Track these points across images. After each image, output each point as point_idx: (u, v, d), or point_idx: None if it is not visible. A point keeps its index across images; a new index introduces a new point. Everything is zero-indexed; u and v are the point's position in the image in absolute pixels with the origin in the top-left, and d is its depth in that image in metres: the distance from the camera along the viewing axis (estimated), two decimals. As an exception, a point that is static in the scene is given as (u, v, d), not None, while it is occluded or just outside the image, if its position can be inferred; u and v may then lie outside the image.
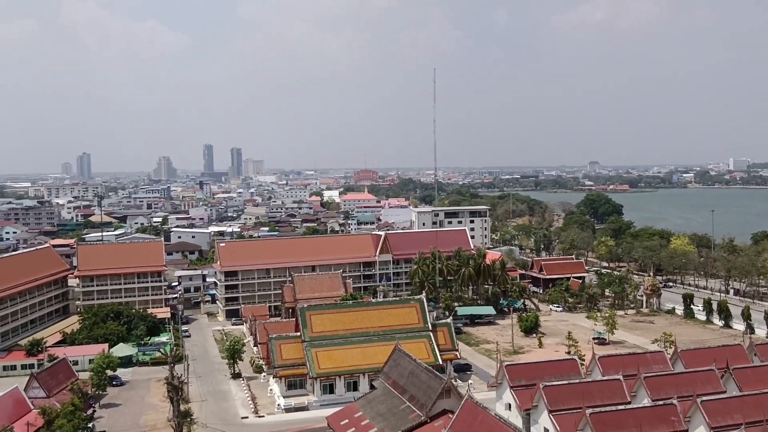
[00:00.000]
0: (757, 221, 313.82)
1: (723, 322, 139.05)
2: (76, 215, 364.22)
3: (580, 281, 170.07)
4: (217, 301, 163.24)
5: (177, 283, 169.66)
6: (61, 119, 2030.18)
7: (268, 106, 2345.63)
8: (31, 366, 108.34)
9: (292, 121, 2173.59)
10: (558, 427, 68.30)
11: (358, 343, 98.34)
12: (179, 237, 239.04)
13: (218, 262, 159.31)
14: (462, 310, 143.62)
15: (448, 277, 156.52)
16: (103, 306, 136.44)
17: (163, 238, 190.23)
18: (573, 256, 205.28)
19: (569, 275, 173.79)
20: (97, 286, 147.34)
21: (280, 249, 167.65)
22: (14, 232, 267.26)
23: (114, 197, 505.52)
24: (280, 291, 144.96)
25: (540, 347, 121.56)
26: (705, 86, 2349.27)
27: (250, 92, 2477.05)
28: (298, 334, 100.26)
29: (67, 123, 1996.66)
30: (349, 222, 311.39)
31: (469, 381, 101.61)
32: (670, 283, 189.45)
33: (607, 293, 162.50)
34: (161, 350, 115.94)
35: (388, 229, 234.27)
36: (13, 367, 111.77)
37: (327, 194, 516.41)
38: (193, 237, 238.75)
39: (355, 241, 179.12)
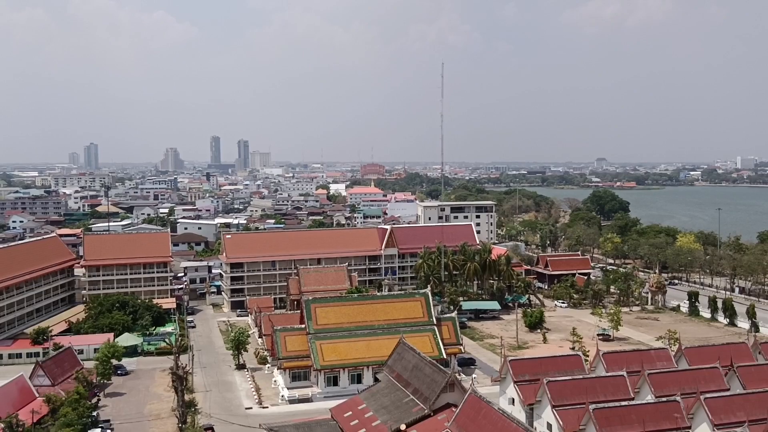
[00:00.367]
0: (764, 220, 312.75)
1: (728, 320, 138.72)
2: (83, 205, 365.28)
3: (586, 278, 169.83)
4: (222, 293, 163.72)
5: (183, 274, 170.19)
6: (69, 109, 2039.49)
7: (275, 98, 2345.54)
8: (37, 354, 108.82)
9: (300, 114, 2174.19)
10: (561, 422, 68.38)
11: (362, 336, 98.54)
12: (185, 228, 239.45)
13: (224, 254, 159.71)
14: (467, 305, 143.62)
15: (454, 272, 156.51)
16: (108, 296, 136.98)
17: (169, 229, 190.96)
18: (579, 253, 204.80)
19: (574, 271, 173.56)
20: (103, 275, 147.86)
21: (285, 241, 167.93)
22: (21, 221, 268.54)
23: (121, 188, 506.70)
24: (286, 283, 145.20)
25: (544, 343, 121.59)
26: (714, 84, 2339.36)
27: (258, 84, 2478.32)
28: (303, 326, 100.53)
29: (74, 113, 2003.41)
30: (355, 215, 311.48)
31: (473, 375, 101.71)
32: (676, 281, 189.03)
33: (612, 290, 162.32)
34: (166, 340, 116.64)
35: (394, 223, 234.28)
36: (19, 356, 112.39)
37: (333, 187, 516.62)
38: (200, 228, 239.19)
39: (360, 235, 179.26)
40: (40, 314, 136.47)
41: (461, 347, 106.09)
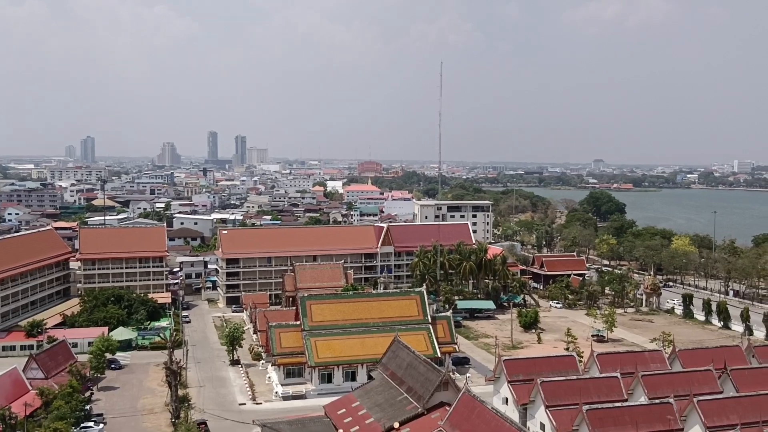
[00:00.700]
0: (759, 224, 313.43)
1: (722, 323, 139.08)
2: (79, 198, 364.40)
3: (581, 278, 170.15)
4: (217, 288, 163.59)
5: (178, 269, 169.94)
6: (67, 102, 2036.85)
7: (274, 95, 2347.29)
8: (31, 347, 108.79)
9: (298, 111, 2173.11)
10: (554, 423, 68.48)
11: (357, 334, 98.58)
12: (182, 223, 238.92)
13: (220, 249, 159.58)
14: (462, 304, 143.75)
15: (449, 271, 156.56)
16: (103, 289, 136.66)
17: (165, 224, 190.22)
18: (574, 254, 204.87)
19: (570, 272, 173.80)
20: (98, 269, 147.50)
21: (282, 238, 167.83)
22: (17, 214, 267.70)
23: (117, 181, 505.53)
24: (281, 280, 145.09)
25: (539, 343, 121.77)
26: (712, 86, 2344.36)
27: (257, 80, 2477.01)
28: (298, 322, 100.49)
29: (72, 106, 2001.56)
30: (351, 213, 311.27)
31: (467, 374, 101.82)
32: (670, 283, 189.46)
33: (607, 291, 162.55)
34: (161, 335, 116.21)
35: (390, 221, 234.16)
36: (13, 348, 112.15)
37: (330, 185, 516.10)
38: (196, 223, 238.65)
39: (357, 233, 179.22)
40: (35, 307, 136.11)
41: (456, 346, 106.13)
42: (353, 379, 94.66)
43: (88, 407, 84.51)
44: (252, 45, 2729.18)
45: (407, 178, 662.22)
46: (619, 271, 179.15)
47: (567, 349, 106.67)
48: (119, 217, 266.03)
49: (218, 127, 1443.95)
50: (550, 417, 69.19)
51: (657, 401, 68.83)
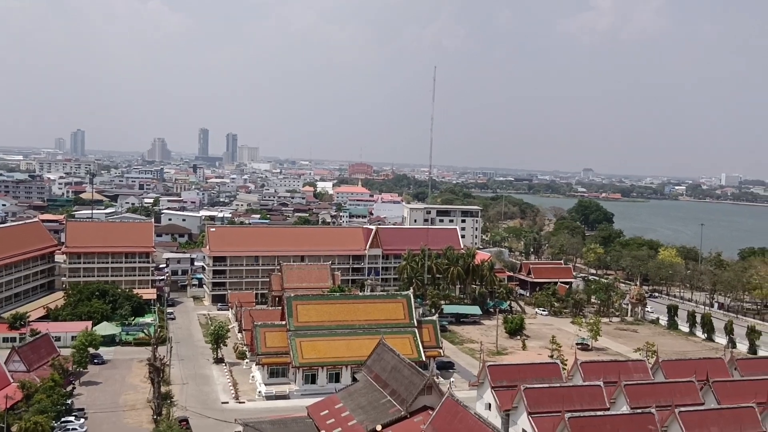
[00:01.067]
0: (746, 237, 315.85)
1: (706, 335, 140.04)
2: (67, 191, 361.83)
3: (567, 286, 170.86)
4: (204, 286, 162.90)
5: (165, 265, 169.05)
6: (58, 95, 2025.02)
7: (267, 93, 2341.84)
8: (13, 339, 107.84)
9: (291, 111, 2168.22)
10: (536, 429, 68.64)
11: (342, 335, 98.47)
12: (170, 219, 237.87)
13: (207, 247, 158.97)
14: (448, 309, 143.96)
15: (437, 275, 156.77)
16: (89, 284, 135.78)
17: (153, 220, 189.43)
18: (561, 261, 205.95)
19: (557, 280, 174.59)
20: (84, 263, 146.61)
21: (270, 237, 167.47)
22: (3, 205, 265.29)
23: (106, 175, 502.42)
24: (268, 279, 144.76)
25: (523, 349, 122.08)
26: (702, 100, 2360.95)
27: (250, 79, 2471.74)
28: (284, 322, 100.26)
29: (63, 99, 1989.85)
30: (341, 214, 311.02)
31: (451, 379, 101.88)
32: (656, 294, 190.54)
33: (593, 300, 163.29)
34: (145, 331, 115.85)
35: (379, 224, 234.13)
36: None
37: (320, 185, 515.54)
38: (184, 220, 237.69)
39: (345, 234, 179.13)
40: (19, 299, 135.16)
41: (441, 350, 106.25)
42: (337, 380, 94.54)
43: (69, 401, 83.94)
44: (246, 43, 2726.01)
45: (397, 181, 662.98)
46: (605, 281, 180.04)
47: (551, 356, 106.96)
48: (107, 211, 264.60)
49: (209, 124, 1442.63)
50: (533, 424, 69.34)
51: (639, 411, 69.09)
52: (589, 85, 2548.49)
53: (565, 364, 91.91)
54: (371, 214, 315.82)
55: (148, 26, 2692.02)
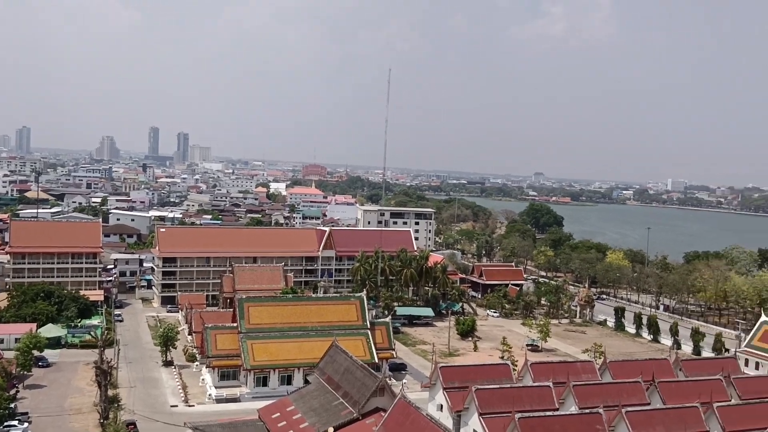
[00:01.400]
0: (690, 241, 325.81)
1: (652, 336, 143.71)
2: (11, 190, 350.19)
3: (518, 288, 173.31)
4: (153, 287, 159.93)
5: (113, 266, 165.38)
6: (1, 89, 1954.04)
7: (220, 92, 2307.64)
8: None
9: (244, 110, 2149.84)
10: (487, 430, 69.29)
11: (295, 337, 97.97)
12: (118, 219, 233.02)
13: (157, 248, 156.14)
14: (401, 310, 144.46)
15: (390, 277, 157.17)
16: (33, 284, 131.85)
17: (101, 220, 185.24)
18: (513, 264, 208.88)
19: (508, 282, 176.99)
20: (28, 263, 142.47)
21: (221, 238, 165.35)
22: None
23: (52, 174, 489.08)
24: (219, 281, 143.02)
25: (475, 351, 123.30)
26: (650, 108, 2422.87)
27: (203, 77, 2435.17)
28: (235, 324, 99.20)
29: (7, 94, 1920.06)
30: (294, 216, 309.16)
31: (404, 380, 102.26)
32: (604, 296, 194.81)
33: (543, 302, 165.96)
34: (92, 333, 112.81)
35: (333, 226, 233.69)
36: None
37: (274, 186, 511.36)
38: (133, 220, 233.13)
39: (299, 235, 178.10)
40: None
41: (393, 352, 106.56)
42: (289, 383, 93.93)
43: (12, 405, 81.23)
44: (198, 41, 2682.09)
45: (351, 182, 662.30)
46: (555, 283, 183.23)
47: (502, 357, 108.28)
48: (53, 210, 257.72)
49: (160, 123, 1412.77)
50: (483, 424, 69.98)
51: (587, 411, 70.31)
52: (540, 91, 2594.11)
53: (516, 365, 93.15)
54: (325, 215, 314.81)
55: (97, 21, 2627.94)
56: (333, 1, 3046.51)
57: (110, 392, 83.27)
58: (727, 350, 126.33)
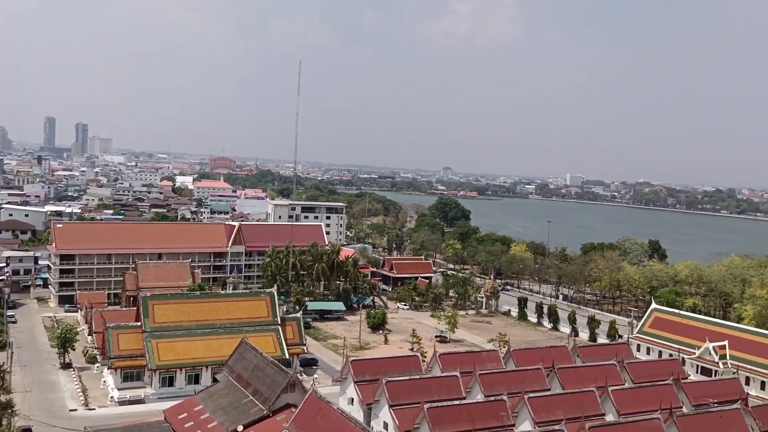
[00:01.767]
0: (587, 233, 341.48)
1: (552, 324, 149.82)
2: None
3: (427, 281, 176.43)
4: (49, 286, 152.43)
5: (5, 264, 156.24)
6: None
7: (121, 81, 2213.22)
8: None
9: (147, 101, 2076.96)
10: (397, 421, 70.45)
11: (202, 336, 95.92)
12: (10, 215, 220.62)
13: (53, 244, 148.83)
14: (312, 305, 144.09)
15: (301, 272, 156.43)
16: None
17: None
18: (422, 257, 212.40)
19: (417, 275, 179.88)
20: None
21: (124, 234, 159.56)
22: None
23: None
24: (122, 278, 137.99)
25: (386, 343, 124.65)
26: (551, 106, 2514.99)
27: (102, 66, 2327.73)
28: (139, 324, 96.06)
29: None
30: (201, 210, 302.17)
31: (315, 375, 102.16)
32: (508, 287, 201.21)
33: (451, 294, 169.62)
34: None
35: (242, 220, 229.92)
36: None
37: (180, 180, 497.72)
38: (27, 215, 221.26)
39: (206, 230, 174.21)
40: None
41: (305, 347, 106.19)
42: (197, 382, 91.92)
43: None
44: (97, 26, 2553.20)
45: (261, 176, 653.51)
46: (462, 275, 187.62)
47: (412, 349, 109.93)
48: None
49: (57, 113, 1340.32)
50: (393, 416, 71.10)
51: (492, 399, 72.72)
52: (448, 88, 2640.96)
53: (425, 357, 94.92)
54: (234, 210, 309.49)
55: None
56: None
57: (3, 397, 79.00)
58: (620, 336, 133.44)
